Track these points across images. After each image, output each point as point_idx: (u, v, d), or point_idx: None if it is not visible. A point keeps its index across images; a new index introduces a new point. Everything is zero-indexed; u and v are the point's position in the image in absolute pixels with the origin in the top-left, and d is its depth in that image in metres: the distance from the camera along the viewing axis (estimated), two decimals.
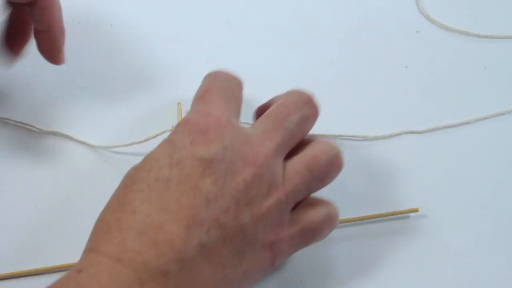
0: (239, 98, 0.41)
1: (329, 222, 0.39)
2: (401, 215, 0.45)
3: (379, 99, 0.52)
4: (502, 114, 0.51)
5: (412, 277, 0.43)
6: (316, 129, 0.49)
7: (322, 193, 0.46)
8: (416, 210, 0.45)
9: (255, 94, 0.52)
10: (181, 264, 0.33)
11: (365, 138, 0.49)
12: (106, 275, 0.32)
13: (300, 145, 0.40)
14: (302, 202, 0.39)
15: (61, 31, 0.46)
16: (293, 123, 0.39)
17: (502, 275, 0.43)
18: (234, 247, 0.35)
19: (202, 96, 0.40)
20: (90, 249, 0.34)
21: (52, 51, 0.46)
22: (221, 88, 0.40)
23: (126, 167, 0.38)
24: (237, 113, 0.40)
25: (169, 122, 0.48)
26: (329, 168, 0.39)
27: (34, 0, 0.44)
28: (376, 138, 0.49)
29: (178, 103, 0.49)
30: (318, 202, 0.39)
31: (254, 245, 0.36)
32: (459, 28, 0.56)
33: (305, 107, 0.40)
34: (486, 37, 0.56)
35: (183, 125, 0.37)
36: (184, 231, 0.33)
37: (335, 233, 0.44)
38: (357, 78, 0.53)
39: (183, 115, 0.47)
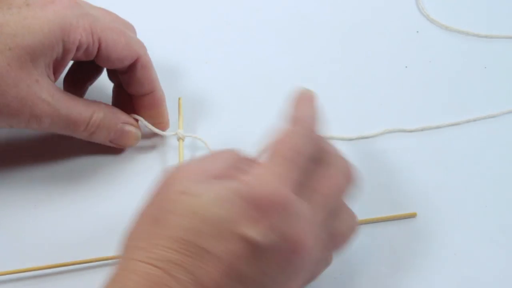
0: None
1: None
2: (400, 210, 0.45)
3: (379, 99, 0.52)
4: (503, 114, 0.51)
5: (412, 277, 0.43)
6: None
7: None
8: (414, 215, 0.45)
9: (255, 93, 0.52)
10: None
11: (364, 137, 0.49)
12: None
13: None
14: None
15: (162, 90, 0.48)
16: (336, 206, 0.37)
17: (502, 275, 0.43)
18: None
19: (276, 154, 0.35)
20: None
21: (159, 114, 0.47)
22: (300, 153, 0.35)
23: None
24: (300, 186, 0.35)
25: (170, 120, 0.49)
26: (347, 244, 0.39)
27: (133, 62, 0.45)
28: (375, 136, 0.49)
29: (179, 98, 0.49)
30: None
31: None
32: (459, 28, 0.56)
33: (350, 186, 0.38)
34: (486, 37, 0.56)
35: (243, 189, 0.33)
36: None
37: None
38: (357, 78, 0.53)
39: (183, 106, 0.47)
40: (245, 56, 0.54)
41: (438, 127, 0.50)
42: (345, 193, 0.37)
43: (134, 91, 0.47)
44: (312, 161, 0.36)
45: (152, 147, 0.48)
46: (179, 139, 0.48)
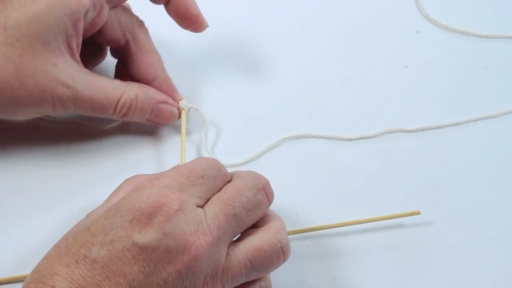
0: (214, 191, 0.37)
1: (277, 257, 0.37)
2: (397, 201, 0.45)
3: (379, 99, 0.52)
4: (503, 114, 0.51)
5: (412, 277, 0.43)
6: (316, 129, 0.49)
7: (323, 192, 0.46)
8: (417, 213, 0.45)
9: (255, 93, 0.52)
10: None
11: (364, 137, 0.49)
12: None
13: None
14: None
15: (165, 78, 0.47)
16: (245, 210, 0.36)
17: (502, 275, 0.43)
18: None
19: (178, 172, 0.37)
20: None
21: (190, 14, 0.47)
22: (204, 176, 0.37)
23: None
24: (203, 200, 0.37)
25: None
26: (272, 261, 0.37)
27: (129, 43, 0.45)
28: (375, 136, 0.49)
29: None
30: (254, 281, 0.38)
31: None
32: (459, 28, 0.56)
33: (260, 193, 0.38)
34: (486, 37, 0.56)
35: (136, 193, 0.35)
36: None
37: (335, 232, 0.44)
38: (358, 78, 0.53)
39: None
40: (245, 56, 0.54)
41: (438, 127, 0.50)
42: (252, 199, 0.37)
43: (138, 78, 0.46)
44: (213, 180, 0.37)
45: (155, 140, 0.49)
46: (182, 109, 0.47)
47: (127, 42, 0.46)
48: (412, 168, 0.48)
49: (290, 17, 0.57)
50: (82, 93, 0.42)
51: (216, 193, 0.37)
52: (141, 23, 0.47)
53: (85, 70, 0.43)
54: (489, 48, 0.55)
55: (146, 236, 0.33)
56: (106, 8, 0.44)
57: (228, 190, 0.37)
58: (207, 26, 0.47)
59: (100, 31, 0.45)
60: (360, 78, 0.53)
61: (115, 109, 0.44)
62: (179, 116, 0.48)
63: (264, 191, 0.38)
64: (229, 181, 0.38)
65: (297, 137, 0.49)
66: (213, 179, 0.37)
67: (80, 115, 0.47)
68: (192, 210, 0.35)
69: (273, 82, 0.53)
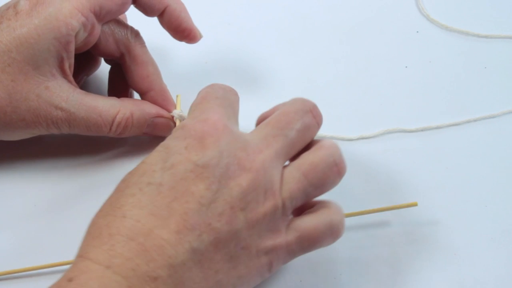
0: (235, 107, 0.40)
1: (330, 232, 0.38)
2: (400, 209, 0.45)
3: (379, 99, 0.52)
4: (503, 114, 0.51)
5: (412, 277, 0.43)
6: None
7: (323, 195, 0.46)
8: (415, 204, 0.45)
9: (255, 93, 0.52)
10: (172, 270, 0.33)
11: (364, 137, 0.49)
12: (97, 283, 0.32)
13: (303, 149, 0.39)
14: (306, 207, 0.39)
15: (162, 89, 0.47)
16: (294, 130, 0.38)
17: (502, 275, 0.43)
18: (227, 253, 0.34)
19: (199, 103, 0.39)
20: (81, 255, 0.34)
21: (183, 27, 0.47)
22: (218, 97, 0.39)
23: None
24: (235, 120, 0.39)
25: None
26: (327, 175, 0.38)
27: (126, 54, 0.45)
28: (375, 136, 0.49)
29: (177, 95, 0.49)
30: (321, 209, 0.38)
31: (249, 250, 0.35)
32: (459, 28, 0.56)
33: (307, 115, 0.39)
34: (486, 37, 0.56)
35: (180, 130, 0.37)
36: (174, 237, 0.33)
37: None
38: (357, 78, 0.53)
39: (182, 107, 0.47)
40: (245, 56, 0.54)
41: (438, 127, 0.50)
42: (299, 121, 0.38)
43: (149, 14, 0.46)
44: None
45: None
46: (176, 119, 0.47)
47: (122, 55, 0.46)
48: (412, 168, 0.48)
49: (290, 17, 0.57)
50: (76, 115, 0.43)
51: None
52: (136, 33, 0.47)
53: (78, 90, 0.43)
54: (489, 48, 0.55)
55: (205, 156, 0.35)
56: (98, 27, 0.43)
57: (274, 115, 0.39)
58: (200, 37, 0.48)
59: (94, 46, 0.45)
60: (360, 78, 0.53)
61: (110, 128, 0.44)
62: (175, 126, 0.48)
63: (312, 114, 0.39)
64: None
65: None
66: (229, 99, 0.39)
67: None
68: (235, 129, 0.37)
69: (273, 82, 0.53)
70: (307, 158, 0.38)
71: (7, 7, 0.42)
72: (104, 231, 0.33)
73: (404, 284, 0.42)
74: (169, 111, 0.47)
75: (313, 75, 0.53)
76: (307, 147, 0.39)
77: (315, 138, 0.40)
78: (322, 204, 0.39)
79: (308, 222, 0.38)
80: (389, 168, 0.48)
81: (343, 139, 0.49)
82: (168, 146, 0.36)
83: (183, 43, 0.54)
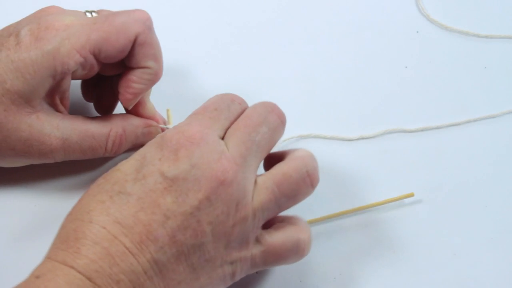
0: (231, 120, 0.39)
1: (297, 250, 0.38)
2: (397, 201, 0.45)
3: (379, 99, 0.52)
4: (503, 114, 0.51)
5: (412, 277, 0.43)
6: (316, 130, 0.49)
7: (323, 192, 0.46)
8: (411, 195, 0.45)
9: (255, 94, 0.52)
10: (133, 276, 0.33)
11: (364, 138, 0.49)
12: (63, 280, 0.33)
13: (278, 158, 0.40)
14: (276, 221, 0.39)
15: (159, 66, 0.46)
16: (260, 134, 0.38)
17: (502, 275, 0.43)
18: (190, 265, 0.35)
19: (195, 112, 0.39)
20: (48, 257, 0.35)
21: (132, 90, 0.44)
22: (217, 109, 0.39)
23: None
24: (222, 130, 0.39)
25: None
26: (299, 185, 0.38)
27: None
28: (375, 136, 0.49)
29: (168, 109, 0.48)
30: (290, 226, 0.39)
31: (213, 262, 0.36)
32: (459, 28, 0.56)
33: (270, 116, 0.39)
34: (486, 37, 0.56)
35: (159, 139, 0.37)
36: (136, 246, 0.34)
37: (336, 233, 0.44)
38: (358, 78, 0.53)
39: (187, 106, 0.47)
40: (245, 56, 0.54)
41: (438, 127, 0.50)
42: (263, 122, 0.38)
43: (126, 62, 0.45)
44: (227, 110, 0.39)
45: None
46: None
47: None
48: (412, 168, 0.48)
49: (290, 17, 0.57)
50: (70, 140, 0.43)
51: (234, 121, 0.39)
52: (135, 19, 0.45)
53: (67, 116, 0.43)
54: (489, 48, 0.55)
55: (175, 169, 0.35)
56: (98, 66, 0.43)
57: (241, 118, 0.39)
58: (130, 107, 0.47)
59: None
60: (360, 78, 0.53)
61: (105, 149, 0.44)
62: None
63: (275, 113, 0.39)
64: (244, 106, 0.40)
65: (298, 138, 0.49)
66: (227, 109, 0.39)
67: None
68: (214, 140, 0.37)
69: (273, 82, 0.53)
70: (280, 168, 0.38)
71: (8, 34, 0.42)
72: (71, 235, 0.34)
73: (404, 284, 0.42)
74: (157, 121, 0.47)
75: (313, 75, 0.53)
76: (282, 156, 0.39)
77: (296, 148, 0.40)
78: (291, 221, 0.39)
79: (276, 238, 0.38)
80: (389, 168, 0.48)
81: (343, 139, 0.49)
82: (144, 155, 0.37)
83: (183, 44, 0.54)
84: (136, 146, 0.46)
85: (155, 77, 0.45)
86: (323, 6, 0.58)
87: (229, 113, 0.39)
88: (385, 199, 0.45)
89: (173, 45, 0.54)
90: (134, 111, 0.46)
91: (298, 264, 0.42)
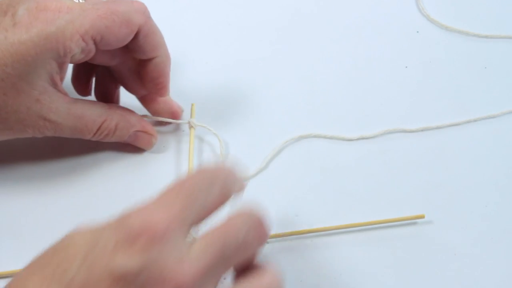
0: (211, 209, 0.34)
1: None
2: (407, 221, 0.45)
3: (379, 99, 0.52)
4: (503, 114, 0.51)
5: (412, 277, 0.43)
6: (316, 130, 0.49)
7: (324, 192, 0.46)
8: (422, 217, 0.44)
9: (255, 93, 0.52)
10: None
11: (364, 137, 0.49)
12: None
13: (247, 269, 0.35)
14: (247, 267, 0.34)
15: (167, 55, 0.46)
16: (231, 248, 0.33)
17: (502, 275, 0.43)
18: None
19: (168, 190, 0.33)
20: None
21: (159, 80, 0.46)
22: (194, 193, 0.33)
23: None
24: (195, 221, 0.33)
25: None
26: None
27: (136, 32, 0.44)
28: (375, 136, 0.49)
29: (192, 104, 0.50)
30: (264, 281, 0.33)
31: None
32: (459, 28, 0.56)
33: (250, 233, 0.33)
34: (486, 37, 0.56)
35: (123, 219, 0.32)
36: None
37: (335, 232, 0.44)
38: (358, 78, 0.53)
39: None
40: (245, 56, 0.54)
41: (438, 127, 0.50)
42: (241, 238, 0.33)
43: (136, 56, 0.45)
44: (204, 199, 0.33)
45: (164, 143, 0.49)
46: (190, 127, 0.48)
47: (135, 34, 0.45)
48: (412, 168, 0.48)
49: (290, 17, 0.57)
50: (63, 125, 0.43)
51: (211, 209, 0.34)
52: (137, 10, 0.45)
53: (67, 99, 0.43)
54: (489, 48, 0.55)
55: (127, 263, 0.30)
56: (93, 52, 0.43)
57: (218, 226, 0.33)
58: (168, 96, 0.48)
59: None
60: (360, 78, 0.53)
61: (93, 135, 0.45)
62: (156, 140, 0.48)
63: (256, 231, 0.34)
64: (228, 194, 0.35)
65: (298, 138, 0.49)
66: (205, 194, 0.33)
67: None
68: (178, 238, 0.32)
69: (273, 82, 0.53)
70: (243, 286, 0.33)
71: (3, 12, 0.41)
72: None
73: (404, 284, 0.42)
74: (176, 114, 0.49)
75: (313, 75, 0.53)
76: (251, 268, 0.35)
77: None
78: (266, 276, 0.34)
79: None
80: (389, 168, 0.48)
81: (343, 139, 0.49)
82: (101, 234, 0.32)
83: (182, 44, 0.54)
84: (126, 142, 0.47)
85: (168, 59, 0.46)
86: (323, 6, 0.58)
87: (206, 199, 0.33)
88: (394, 218, 0.44)
89: (173, 45, 0.54)
90: (152, 99, 0.47)
91: (298, 264, 0.43)
